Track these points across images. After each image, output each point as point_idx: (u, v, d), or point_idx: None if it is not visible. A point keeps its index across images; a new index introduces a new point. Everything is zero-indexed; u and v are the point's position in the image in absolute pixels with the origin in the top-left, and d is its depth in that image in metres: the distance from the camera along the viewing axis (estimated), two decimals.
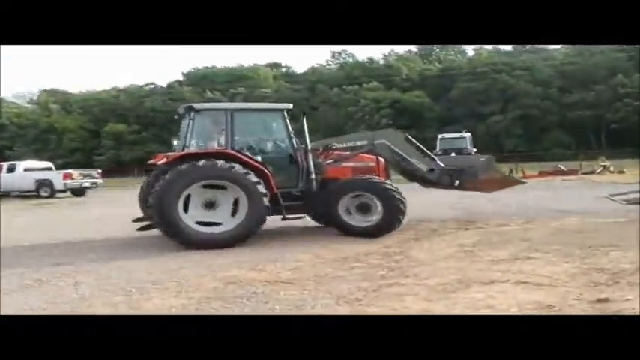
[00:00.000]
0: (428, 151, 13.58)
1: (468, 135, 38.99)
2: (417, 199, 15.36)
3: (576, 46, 74.58)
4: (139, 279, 8.08)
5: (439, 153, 27.67)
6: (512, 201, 16.81)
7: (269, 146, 12.43)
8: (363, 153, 12.90)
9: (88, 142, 77.62)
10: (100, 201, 28.15)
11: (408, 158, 13.08)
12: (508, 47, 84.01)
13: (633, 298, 6.06)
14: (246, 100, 68.80)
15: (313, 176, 11.82)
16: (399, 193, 11.51)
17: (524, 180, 14.45)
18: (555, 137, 67.38)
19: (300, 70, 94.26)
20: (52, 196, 31.48)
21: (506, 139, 67.21)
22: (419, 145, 13.50)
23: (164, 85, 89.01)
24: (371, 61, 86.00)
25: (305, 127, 12.00)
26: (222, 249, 10.42)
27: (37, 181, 32.04)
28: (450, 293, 6.70)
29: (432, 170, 13.08)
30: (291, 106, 12.47)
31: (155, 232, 11.64)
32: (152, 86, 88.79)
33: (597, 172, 36.15)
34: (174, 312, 6.39)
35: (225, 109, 11.90)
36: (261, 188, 10.95)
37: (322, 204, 11.71)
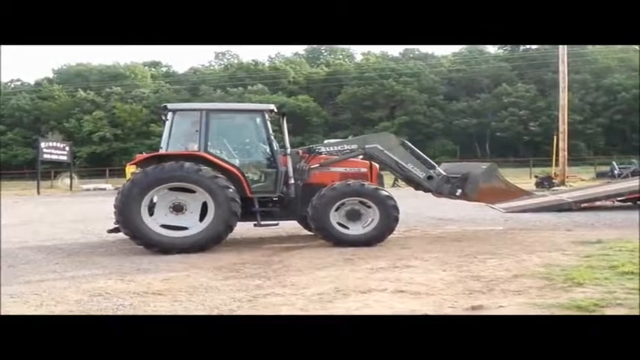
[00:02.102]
0: (427, 157, 12.79)
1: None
2: None
3: (462, 53, 77.31)
4: None
5: None
6: None
7: (247, 149, 12.00)
8: (353, 157, 12.22)
9: None
10: None
11: (404, 164, 12.17)
12: (395, 52, 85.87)
13: (506, 305, 6.08)
14: (122, 100, 67.00)
15: (292, 181, 11.35)
16: (394, 200, 11.09)
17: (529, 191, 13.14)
18: (441, 144, 69.35)
19: (181, 70, 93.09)
20: None
21: None
22: (416, 150, 12.75)
23: (32, 82, 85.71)
24: (255, 63, 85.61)
25: (285, 129, 11.61)
26: (75, 259, 9.98)
27: None
28: (326, 303, 6.55)
29: (430, 177, 12.15)
30: (272, 106, 11.96)
31: (18, 242, 10.88)
32: (18, 83, 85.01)
33: None
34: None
35: (200, 110, 11.38)
36: (230, 193, 10.46)
37: (306, 210, 11.03)
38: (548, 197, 19.82)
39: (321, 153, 12.10)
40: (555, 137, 33.15)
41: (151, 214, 10.62)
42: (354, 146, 12.32)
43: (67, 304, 6.79)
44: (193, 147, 11.16)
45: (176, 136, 11.43)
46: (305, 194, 11.35)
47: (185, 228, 10.64)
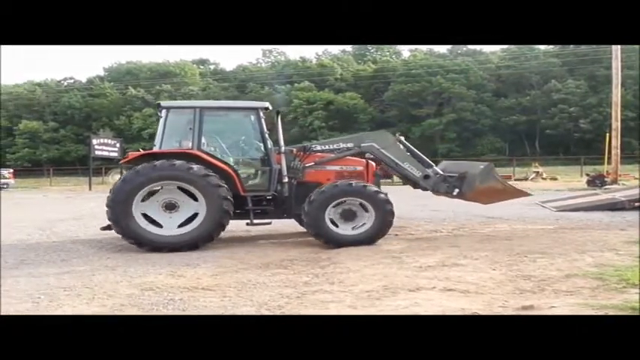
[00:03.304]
0: (423, 156, 12.63)
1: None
2: None
3: (511, 49, 76.04)
4: (49, 285, 7.63)
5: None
6: (442, 206, 16.78)
7: (242, 147, 12.03)
8: (349, 156, 12.12)
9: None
10: (12, 203, 26.61)
11: (400, 163, 12.08)
12: (443, 49, 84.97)
13: (558, 305, 5.97)
14: (171, 97, 67.61)
15: (286, 180, 11.34)
16: (384, 194, 11.02)
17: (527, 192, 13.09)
18: (489, 142, 68.42)
19: (229, 67, 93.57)
20: None
21: (440, 142, 67.96)
22: (412, 148, 12.64)
23: (84, 80, 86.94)
24: (303, 60, 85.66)
25: (279, 127, 11.57)
26: (162, 253, 10.14)
27: None
28: (374, 300, 6.54)
29: (426, 176, 12.02)
30: (267, 104, 11.94)
31: (71, 236, 11.05)
32: (71, 81, 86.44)
33: (530, 178, 36.81)
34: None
35: (194, 107, 11.38)
36: (223, 191, 10.49)
37: (301, 209, 11.02)
38: (601, 196, 19.46)
39: (316, 151, 12.03)
40: (608, 134, 32.46)
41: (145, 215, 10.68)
42: (350, 144, 12.22)
43: (118, 297, 6.91)
44: (187, 145, 11.16)
45: (170, 133, 11.44)
46: (300, 193, 11.33)
47: (176, 226, 10.69)
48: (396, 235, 12.09)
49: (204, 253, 10.09)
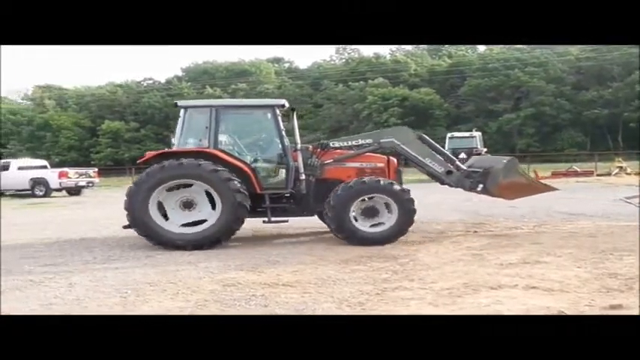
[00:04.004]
0: (445, 151, 12.49)
1: (478, 134, 37.73)
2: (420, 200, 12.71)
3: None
4: (136, 281, 7.88)
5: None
6: (522, 203, 16.47)
7: (259, 145, 12.11)
8: (369, 152, 12.01)
9: (84, 139, 76.71)
10: (97, 201, 27.68)
11: (421, 159, 11.87)
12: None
13: None
14: (247, 96, 68.50)
15: (303, 177, 11.31)
16: (413, 199, 10.91)
17: (553, 187, 12.82)
18: (570, 136, 66.48)
19: (303, 65, 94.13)
20: (47, 195, 30.87)
21: (518, 138, 66.57)
22: (434, 143, 12.42)
23: (162, 81, 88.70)
24: (377, 56, 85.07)
25: (295, 124, 11.56)
26: (205, 250, 10.31)
27: (32, 179, 31.40)
28: (456, 298, 6.49)
29: (449, 172, 11.84)
30: (284, 101, 11.92)
31: None
32: (150, 82, 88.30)
33: (613, 173, 35.64)
34: (172, 313, 6.21)
35: (210, 106, 11.48)
36: (234, 185, 10.50)
37: (321, 206, 11.07)
38: None
39: (334, 148, 11.89)
40: None
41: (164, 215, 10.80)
42: (369, 140, 12.03)
43: (201, 293, 7.06)
44: (205, 144, 11.19)
45: (187, 132, 11.51)
46: (319, 190, 11.29)
47: (199, 223, 10.75)
48: (475, 231, 11.97)
49: (283, 250, 10.22)
